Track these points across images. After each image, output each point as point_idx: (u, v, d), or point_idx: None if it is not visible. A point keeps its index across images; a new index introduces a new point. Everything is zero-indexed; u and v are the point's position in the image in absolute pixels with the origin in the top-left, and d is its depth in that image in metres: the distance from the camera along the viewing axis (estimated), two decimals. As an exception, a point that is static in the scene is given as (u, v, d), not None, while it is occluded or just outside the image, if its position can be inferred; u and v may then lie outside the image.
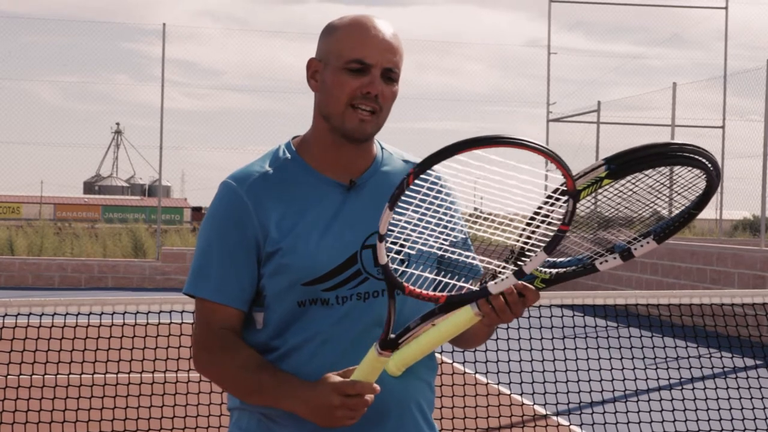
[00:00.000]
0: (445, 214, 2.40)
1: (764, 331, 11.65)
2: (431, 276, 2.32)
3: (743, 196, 22.96)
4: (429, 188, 2.27)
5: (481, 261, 2.32)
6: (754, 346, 11.34)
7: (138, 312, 5.99)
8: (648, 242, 2.29)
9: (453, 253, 2.41)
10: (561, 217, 2.17)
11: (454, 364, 8.67)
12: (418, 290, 2.24)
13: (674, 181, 2.25)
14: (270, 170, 2.48)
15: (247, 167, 2.51)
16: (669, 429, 7.83)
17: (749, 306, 9.02)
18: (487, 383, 8.25)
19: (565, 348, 8.42)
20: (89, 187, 72.90)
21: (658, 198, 2.29)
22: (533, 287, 2.29)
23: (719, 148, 21.12)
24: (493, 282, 2.23)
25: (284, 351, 2.44)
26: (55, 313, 5.86)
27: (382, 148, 2.57)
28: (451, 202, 2.52)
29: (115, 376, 7.61)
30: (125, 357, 7.43)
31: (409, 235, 2.27)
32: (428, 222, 2.30)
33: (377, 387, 2.27)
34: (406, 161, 2.58)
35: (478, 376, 8.38)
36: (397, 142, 2.66)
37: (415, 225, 2.27)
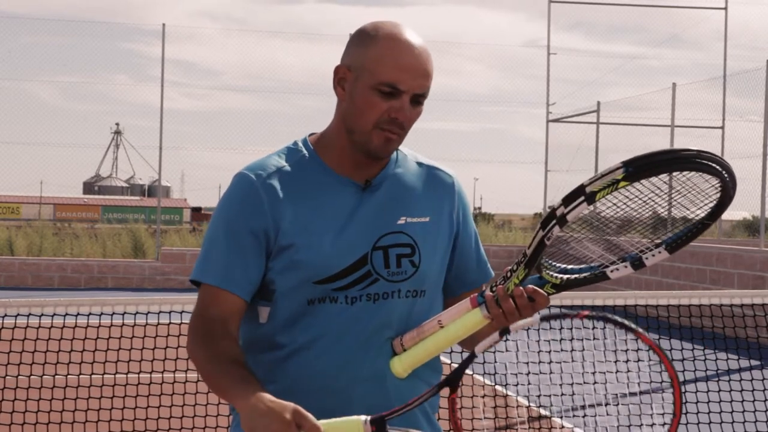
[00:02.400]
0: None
1: (764, 332, 11.64)
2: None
3: (742, 196, 22.87)
4: None
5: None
6: (754, 347, 11.34)
7: (138, 312, 6.00)
8: (660, 252, 2.26)
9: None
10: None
11: (453, 364, 8.65)
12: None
13: (688, 190, 2.21)
14: (287, 165, 2.47)
15: (263, 160, 2.49)
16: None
17: (749, 306, 9.02)
18: (485, 384, 8.25)
19: (562, 349, 8.42)
20: (89, 187, 72.99)
21: (671, 205, 2.27)
22: (544, 292, 2.28)
23: (719, 148, 21.05)
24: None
25: (292, 349, 2.42)
26: (54, 314, 5.86)
27: (396, 149, 2.56)
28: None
29: (113, 376, 7.61)
30: (125, 357, 7.43)
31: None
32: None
33: None
34: (419, 163, 2.58)
35: (477, 376, 8.37)
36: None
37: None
